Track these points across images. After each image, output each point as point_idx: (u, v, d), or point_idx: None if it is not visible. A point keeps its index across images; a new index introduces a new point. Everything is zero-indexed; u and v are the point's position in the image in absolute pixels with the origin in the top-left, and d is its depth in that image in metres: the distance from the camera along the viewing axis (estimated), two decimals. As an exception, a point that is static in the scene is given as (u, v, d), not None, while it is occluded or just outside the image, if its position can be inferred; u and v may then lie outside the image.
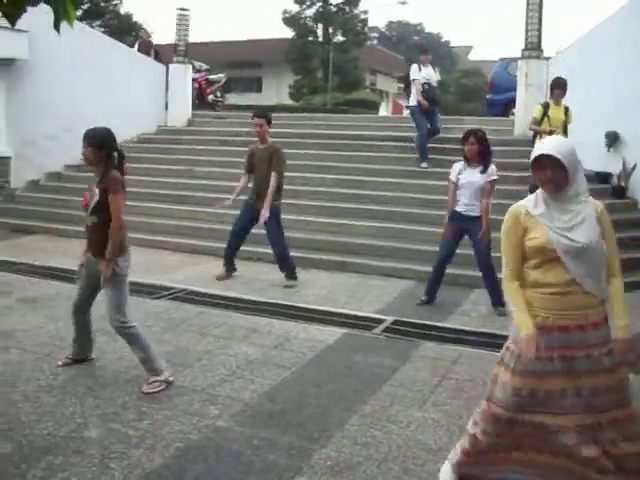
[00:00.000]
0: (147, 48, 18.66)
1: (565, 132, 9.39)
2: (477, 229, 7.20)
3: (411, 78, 12.27)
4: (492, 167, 7.20)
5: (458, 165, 7.32)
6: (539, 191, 3.48)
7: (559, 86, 9.64)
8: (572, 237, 3.32)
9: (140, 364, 5.11)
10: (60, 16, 2.79)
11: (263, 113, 8.69)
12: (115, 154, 5.10)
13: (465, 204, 7.21)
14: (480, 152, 7.14)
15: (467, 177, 7.19)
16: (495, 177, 7.21)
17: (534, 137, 9.72)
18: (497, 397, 3.50)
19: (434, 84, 12.30)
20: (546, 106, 9.67)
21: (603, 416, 3.38)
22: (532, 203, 3.47)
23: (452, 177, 7.30)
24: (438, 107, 12.65)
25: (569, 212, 3.37)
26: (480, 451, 3.56)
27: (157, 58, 18.12)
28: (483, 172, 7.13)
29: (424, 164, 11.89)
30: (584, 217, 3.37)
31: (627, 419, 3.42)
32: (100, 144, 5.00)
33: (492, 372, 3.61)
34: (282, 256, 8.49)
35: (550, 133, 8.68)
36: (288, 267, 8.48)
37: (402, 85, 14.75)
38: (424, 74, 12.17)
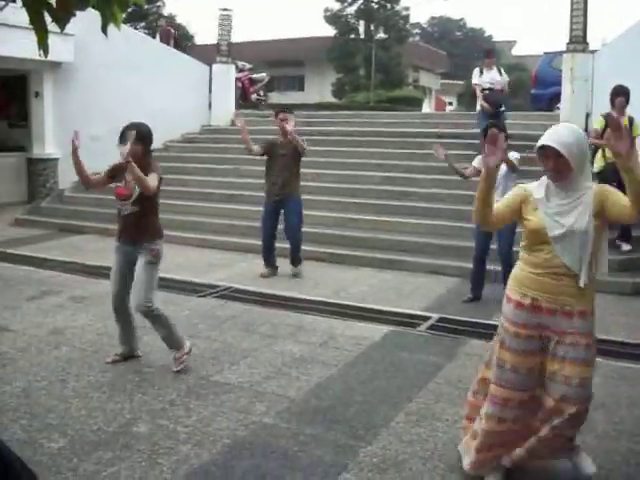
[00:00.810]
0: (167, 37, 18.76)
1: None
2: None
3: (472, 83, 12.19)
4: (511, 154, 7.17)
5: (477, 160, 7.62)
6: (544, 176, 3.58)
7: (622, 94, 8.83)
8: (561, 221, 3.42)
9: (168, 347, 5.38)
10: (107, 20, 2.84)
11: (286, 107, 8.99)
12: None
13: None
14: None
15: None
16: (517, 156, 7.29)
17: (594, 151, 8.78)
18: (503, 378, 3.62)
19: (499, 87, 11.91)
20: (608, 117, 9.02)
21: (561, 405, 3.48)
22: (536, 187, 3.60)
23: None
24: (504, 111, 12.04)
25: (567, 198, 3.46)
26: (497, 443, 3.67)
27: (177, 46, 18.23)
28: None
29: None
30: (579, 203, 3.43)
31: (575, 416, 3.50)
32: (146, 139, 5.23)
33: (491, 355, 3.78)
34: (298, 248, 8.78)
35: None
36: (298, 254, 8.80)
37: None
38: (487, 78, 11.86)
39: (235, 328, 6.48)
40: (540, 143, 3.43)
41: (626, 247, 8.93)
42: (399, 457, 4.02)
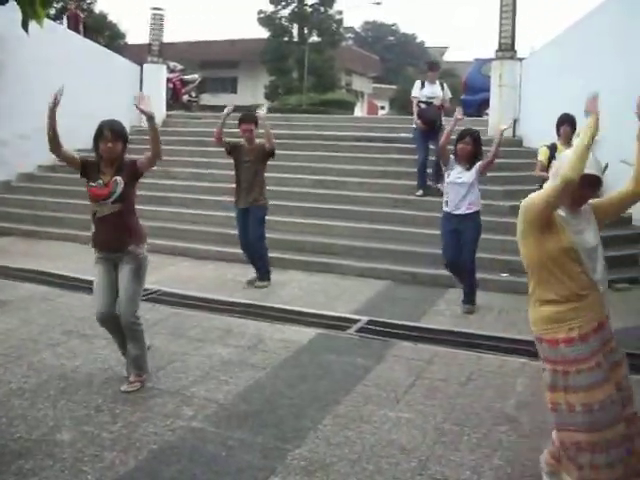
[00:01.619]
0: (76, 22, 18.13)
1: None
2: (467, 227, 7.22)
3: (411, 96, 11.51)
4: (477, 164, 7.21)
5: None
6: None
7: (567, 122, 8.13)
8: (585, 238, 3.43)
9: (132, 362, 5.11)
10: (29, 16, 2.78)
11: (250, 116, 8.49)
12: None
13: (455, 204, 7.18)
14: (472, 153, 7.15)
15: (455, 176, 7.17)
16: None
17: (541, 185, 8.11)
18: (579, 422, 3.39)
19: (438, 102, 11.19)
20: (553, 148, 8.07)
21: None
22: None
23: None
24: (440, 126, 10.97)
25: (579, 217, 3.48)
26: None
27: (87, 34, 17.79)
28: (469, 169, 7.12)
29: (419, 192, 10.93)
30: (589, 220, 3.50)
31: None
32: (125, 135, 5.00)
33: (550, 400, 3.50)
34: (261, 256, 8.48)
35: None
36: (264, 268, 8.48)
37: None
38: (427, 92, 11.25)
39: (163, 332, 6.40)
40: (597, 173, 3.39)
41: None
42: (327, 460, 4.03)
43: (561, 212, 3.42)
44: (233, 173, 8.43)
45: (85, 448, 4.06)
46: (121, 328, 5.05)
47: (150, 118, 4.82)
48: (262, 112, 8.39)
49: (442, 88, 11.40)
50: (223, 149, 8.38)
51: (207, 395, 4.93)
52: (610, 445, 3.33)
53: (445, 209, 7.35)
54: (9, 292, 7.65)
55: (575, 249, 3.38)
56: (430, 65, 12.26)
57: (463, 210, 7.17)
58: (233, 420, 4.54)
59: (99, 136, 4.88)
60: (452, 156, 7.28)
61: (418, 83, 11.53)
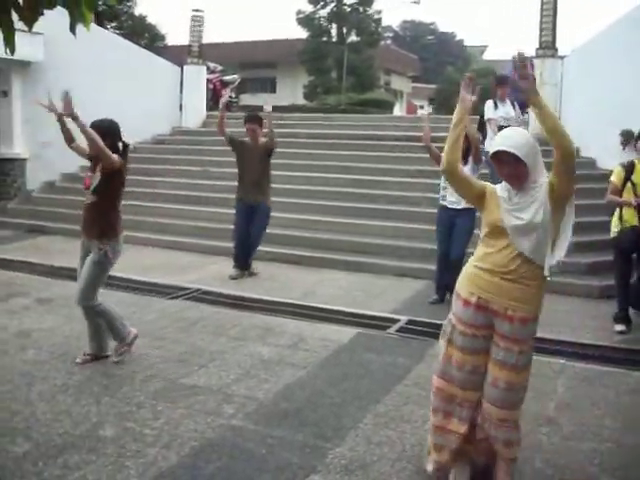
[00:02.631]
0: None
1: None
2: (462, 221, 7.31)
3: (485, 118, 10.07)
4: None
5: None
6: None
7: None
8: (519, 215, 3.44)
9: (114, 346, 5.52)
10: (76, 19, 2.83)
11: (254, 115, 8.84)
12: (120, 144, 5.42)
13: (456, 197, 7.10)
14: (465, 148, 7.06)
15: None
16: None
17: (613, 211, 6.98)
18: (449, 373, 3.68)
19: (516, 124, 9.33)
20: (630, 167, 6.77)
21: (490, 408, 3.57)
22: (499, 187, 3.61)
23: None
24: None
25: (525, 195, 3.47)
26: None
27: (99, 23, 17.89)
28: (466, 164, 6.99)
29: None
30: (536, 198, 3.45)
31: (502, 419, 3.56)
32: (105, 133, 5.27)
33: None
34: (255, 248, 8.86)
35: (639, 207, 6.58)
36: (250, 259, 8.85)
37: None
38: (502, 113, 9.96)
39: (204, 330, 6.45)
40: (496, 148, 3.42)
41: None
42: (367, 459, 4.03)
43: (501, 192, 3.55)
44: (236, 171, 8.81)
45: (127, 444, 4.11)
46: (94, 316, 5.45)
47: (74, 118, 5.15)
48: (268, 108, 8.51)
49: (514, 107, 10.12)
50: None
51: (247, 393, 4.96)
52: (454, 400, 3.65)
53: (442, 203, 7.51)
54: (53, 290, 7.78)
55: (501, 225, 3.49)
56: (498, 80, 10.42)
57: (463, 204, 7.14)
58: (273, 418, 4.56)
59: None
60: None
61: (490, 103, 10.06)
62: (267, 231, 8.84)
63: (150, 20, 35.55)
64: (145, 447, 4.08)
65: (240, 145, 8.65)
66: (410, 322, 6.89)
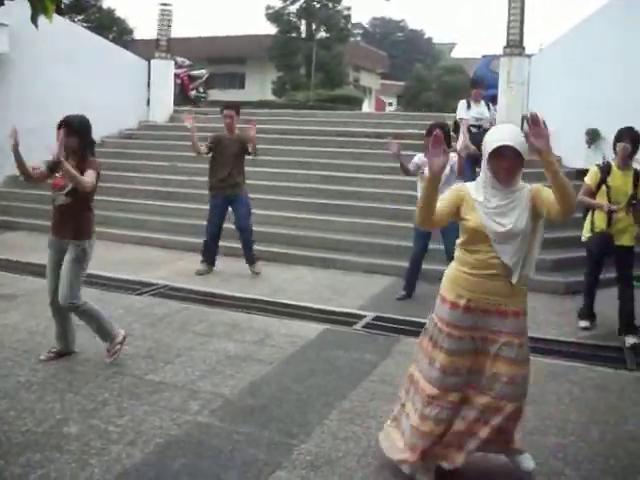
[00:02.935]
0: None
1: (637, 214, 6.39)
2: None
3: (457, 117, 10.15)
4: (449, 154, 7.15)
5: (418, 157, 7.49)
6: (481, 178, 3.60)
7: (628, 137, 6.39)
8: (501, 221, 3.46)
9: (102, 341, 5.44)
10: (38, 10, 2.79)
11: (233, 104, 8.91)
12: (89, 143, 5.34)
13: None
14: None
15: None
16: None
17: (585, 214, 6.80)
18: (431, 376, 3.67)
19: (487, 125, 9.63)
20: (606, 169, 6.51)
21: (499, 402, 3.58)
22: (473, 188, 3.62)
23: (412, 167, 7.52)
24: None
25: (506, 198, 3.50)
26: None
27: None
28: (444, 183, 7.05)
29: None
30: (517, 203, 3.49)
31: (512, 414, 3.62)
32: (81, 132, 5.19)
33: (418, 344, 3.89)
34: (249, 242, 8.72)
35: (609, 213, 6.38)
36: (252, 250, 8.73)
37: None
38: (475, 113, 10.03)
39: (170, 327, 6.42)
40: (499, 143, 3.41)
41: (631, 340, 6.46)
42: (333, 455, 4.04)
43: (476, 196, 3.54)
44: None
45: (92, 441, 4.08)
46: (65, 316, 5.40)
47: (59, 163, 5.00)
48: (252, 133, 8.43)
49: (488, 108, 10.21)
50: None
51: (213, 389, 4.94)
52: (440, 403, 3.62)
53: None
54: (18, 286, 7.69)
55: (483, 231, 3.49)
56: (472, 82, 10.94)
57: None
58: (239, 414, 4.55)
59: (57, 128, 5.07)
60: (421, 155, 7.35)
61: (463, 103, 10.17)
62: (232, 227, 8.77)
63: (119, 14, 35.25)
64: (109, 444, 4.05)
65: (217, 143, 8.55)
66: (377, 318, 6.92)
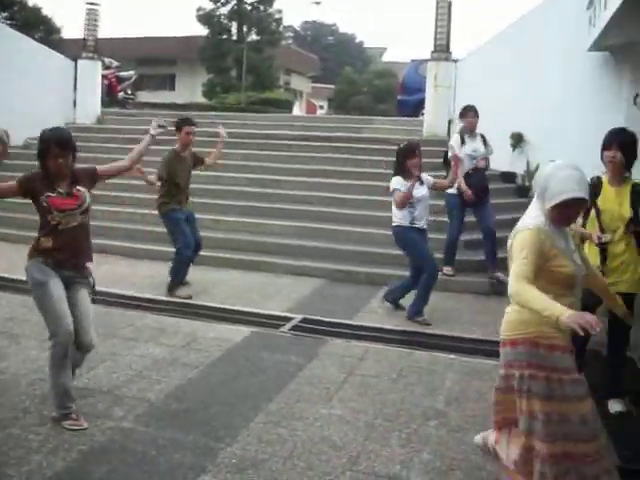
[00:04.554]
0: None
1: (639, 238, 4.86)
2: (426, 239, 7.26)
3: (450, 155, 8.39)
4: (423, 175, 7.13)
5: (398, 180, 6.94)
6: (541, 221, 3.34)
7: (617, 142, 4.78)
8: (578, 262, 3.44)
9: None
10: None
11: (192, 120, 8.35)
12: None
13: (425, 219, 7.12)
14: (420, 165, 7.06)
15: (420, 192, 6.97)
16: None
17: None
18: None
19: (482, 164, 8.56)
20: (594, 187, 4.75)
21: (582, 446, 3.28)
22: (547, 228, 3.35)
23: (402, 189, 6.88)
24: (488, 197, 8.60)
25: (566, 239, 3.44)
26: None
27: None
28: (422, 184, 7.04)
29: (448, 269, 8.54)
30: (573, 242, 3.50)
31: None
32: (74, 146, 4.71)
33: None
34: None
35: (601, 245, 4.83)
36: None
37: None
38: (469, 149, 8.51)
39: (95, 331, 6.30)
40: (573, 195, 3.21)
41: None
42: (258, 457, 4.05)
43: (551, 235, 3.34)
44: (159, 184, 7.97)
45: (11, 451, 3.98)
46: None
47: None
48: (223, 133, 8.26)
49: (484, 143, 8.71)
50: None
51: (138, 395, 4.90)
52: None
53: (416, 225, 7.00)
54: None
55: (575, 275, 3.38)
56: (463, 110, 8.84)
57: (425, 224, 7.14)
58: (164, 419, 4.52)
59: (47, 152, 4.51)
60: (399, 177, 6.95)
61: (457, 138, 8.60)
62: (161, 230, 8.60)
63: (46, 12, 34.45)
64: (29, 453, 3.97)
65: (175, 163, 7.95)
66: (304, 320, 6.95)
